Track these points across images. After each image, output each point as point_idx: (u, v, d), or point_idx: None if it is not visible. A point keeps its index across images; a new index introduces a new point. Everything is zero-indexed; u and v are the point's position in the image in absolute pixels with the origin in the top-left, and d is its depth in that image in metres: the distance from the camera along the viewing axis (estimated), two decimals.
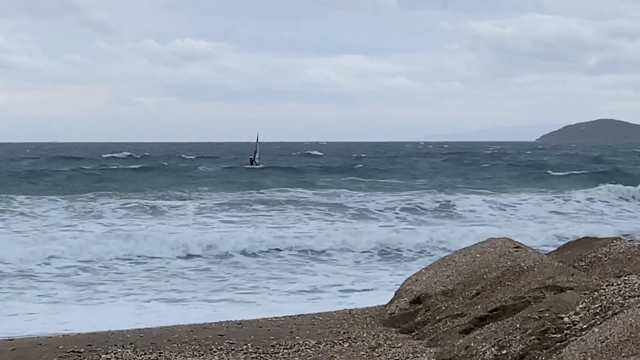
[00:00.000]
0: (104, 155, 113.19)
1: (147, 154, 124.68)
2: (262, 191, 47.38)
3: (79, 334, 11.51)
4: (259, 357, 9.18)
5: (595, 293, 8.55)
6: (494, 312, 9.37)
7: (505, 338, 8.07)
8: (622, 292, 8.34)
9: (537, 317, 8.22)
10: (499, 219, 36.65)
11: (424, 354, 8.78)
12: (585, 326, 7.71)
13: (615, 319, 7.37)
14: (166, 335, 10.35)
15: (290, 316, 11.81)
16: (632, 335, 6.92)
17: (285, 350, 9.42)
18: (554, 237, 28.75)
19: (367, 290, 19.45)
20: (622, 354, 6.74)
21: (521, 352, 7.73)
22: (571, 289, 9.16)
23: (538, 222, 35.32)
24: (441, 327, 9.64)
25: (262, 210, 37.77)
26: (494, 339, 8.18)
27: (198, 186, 52.61)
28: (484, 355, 7.93)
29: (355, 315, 11.35)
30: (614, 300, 8.12)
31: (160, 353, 9.36)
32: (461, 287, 10.40)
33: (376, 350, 9.21)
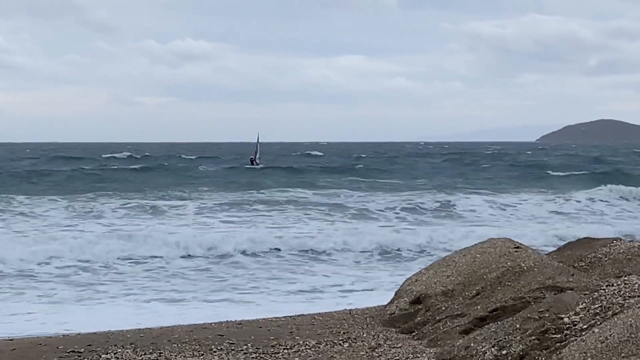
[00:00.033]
0: (104, 155, 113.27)
1: (147, 154, 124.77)
2: (262, 191, 47.43)
3: (79, 334, 11.49)
4: (259, 357, 9.18)
5: (595, 293, 8.54)
6: (494, 313, 9.36)
7: (505, 338, 8.07)
8: (622, 292, 8.34)
9: (537, 317, 8.22)
10: (499, 219, 36.66)
11: (424, 354, 8.78)
12: (585, 326, 7.70)
13: (615, 319, 7.36)
14: (166, 335, 10.34)
15: (290, 316, 11.80)
16: (632, 336, 6.91)
17: (285, 351, 9.41)
18: (554, 238, 28.73)
19: (367, 290, 19.43)
20: (622, 355, 6.74)
21: (521, 353, 7.72)
22: (571, 289, 9.16)
23: (538, 222, 35.33)
24: (441, 328, 9.63)
25: (262, 211, 37.78)
26: (494, 339, 8.18)
27: (198, 186, 52.65)
28: (484, 356, 7.93)
29: (355, 316, 11.34)
30: (614, 300, 8.11)
31: (160, 353, 9.35)
32: (461, 288, 10.39)
33: (376, 350, 9.20)
